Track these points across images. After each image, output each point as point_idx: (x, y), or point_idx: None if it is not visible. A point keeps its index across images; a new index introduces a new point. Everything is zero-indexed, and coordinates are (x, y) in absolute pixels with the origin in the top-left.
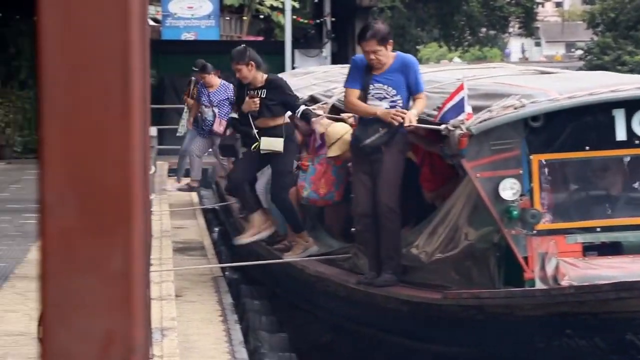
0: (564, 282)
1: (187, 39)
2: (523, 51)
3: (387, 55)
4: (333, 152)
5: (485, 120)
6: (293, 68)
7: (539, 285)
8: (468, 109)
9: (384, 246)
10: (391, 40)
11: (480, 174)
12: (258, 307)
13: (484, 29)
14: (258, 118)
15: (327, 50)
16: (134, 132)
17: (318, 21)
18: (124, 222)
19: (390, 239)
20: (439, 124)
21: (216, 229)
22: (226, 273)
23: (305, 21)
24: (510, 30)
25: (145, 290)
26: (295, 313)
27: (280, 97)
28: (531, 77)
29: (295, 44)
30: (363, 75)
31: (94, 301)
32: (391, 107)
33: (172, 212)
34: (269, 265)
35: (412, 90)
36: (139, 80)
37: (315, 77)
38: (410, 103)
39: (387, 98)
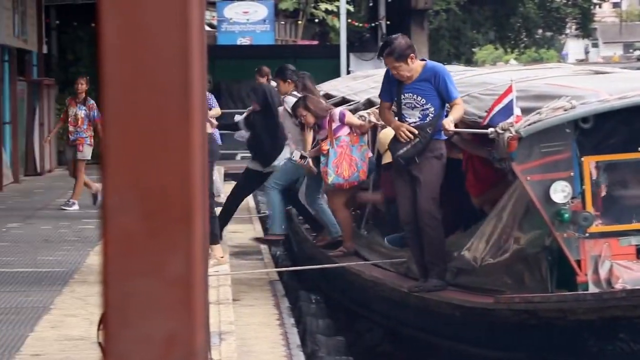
0: (618, 285)
1: (243, 43)
2: (587, 52)
3: (410, 69)
4: (388, 158)
5: (534, 122)
6: (348, 72)
7: (592, 288)
8: (517, 111)
9: (427, 252)
10: (412, 55)
11: (530, 177)
12: (315, 311)
13: (540, 31)
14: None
15: None
16: (193, 134)
17: (373, 24)
18: (185, 225)
19: (432, 246)
20: (487, 127)
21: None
22: (283, 277)
23: (360, 24)
24: (567, 31)
25: (205, 293)
26: (351, 318)
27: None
28: (584, 77)
29: (350, 48)
30: (394, 86)
31: (155, 304)
32: (423, 115)
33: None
34: (326, 270)
35: (444, 98)
36: (198, 84)
37: (374, 81)
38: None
39: (417, 107)
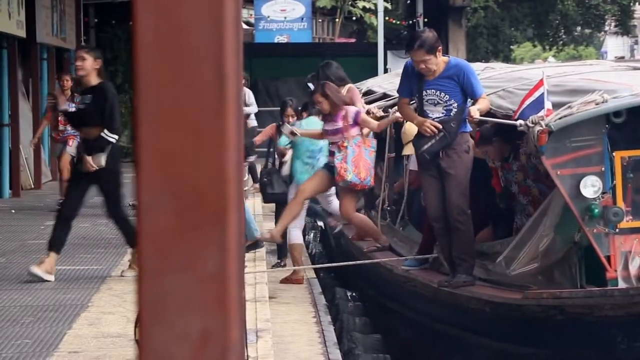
0: None
1: (280, 41)
2: (632, 50)
3: (437, 63)
4: (407, 150)
5: (565, 116)
6: (385, 69)
7: (622, 284)
8: (548, 104)
9: (456, 248)
10: (440, 47)
11: (560, 171)
12: (352, 309)
13: (578, 28)
14: None
15: None
16: (228, 132)
17: (410, 22)
18: (219, 222)
19: (462, 241)
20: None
21: (311, 232)
22: (320, 274)
23: (398, 22)
24: (606, 28)
25: (240, 290)
26: (386, 314)
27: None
28: (621, 73)
29: (388, 45)
30: (416, 82)
31: (190, 301)
32: (446, 111)
33: (264, 214)
34: (361, 267)
35: (468, 95)
36: (233, 81)
37: None
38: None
39: (440, 103)
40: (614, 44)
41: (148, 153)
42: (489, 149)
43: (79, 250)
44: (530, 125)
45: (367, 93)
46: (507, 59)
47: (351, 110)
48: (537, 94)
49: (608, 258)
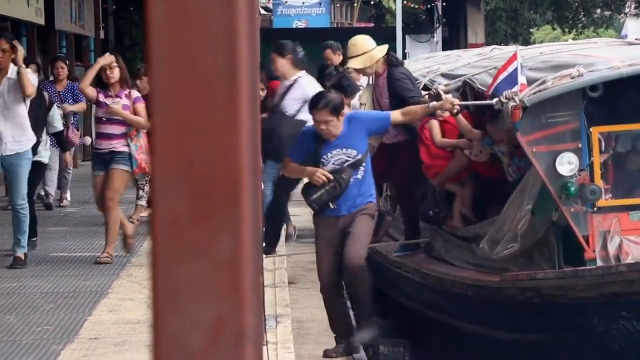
0: (628, 261)
1: (298, 26)
2: None
3: (338, 126)
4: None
5: (539, 91)
6: (404, 54)
7: (600, 265)
8: (522, 79)
9: (362, 309)
10: (344, 111)
11: (535, 148)
12: None
13: (598, 10)
14: None
15: (438, 36)
16: (240, 116)
17: (429, 6)
18: (232, 208)
19: (366, 300)
20: (492, 98)
21: None
22: None
23: (416, 6)
24: (627, 10)
25: (256, 276)
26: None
27: None
28: (614, 48)
29: (406, 30)
30: (314, 144)
31: (203, 287)
32: (342, 162)
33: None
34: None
35: (381, 124)
36: (245, 65)
37: (434, 62)
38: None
39: (349, 160)
40: (634, 26)
41: (162, 139)
42: (499, 132)
43: (99, 237)
44: (505, 101)
45: None
46: (526, 42)
47: (135, 93)
48: (510, 69)
49: (587, 238)
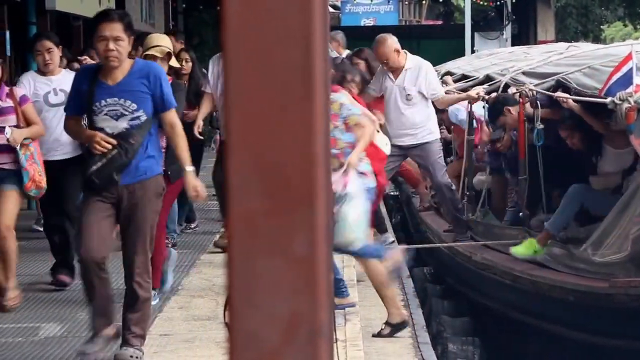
0: None
1: (366, 24)
2: None
3: (125, 50)
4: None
5: None
6: (473, 51)
7: None
8: (637, 80)
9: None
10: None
11: None
12: (440, 292)
13: None
14: None
15: (507, 33)
16: (316, 114)
17: (498, 3)
18: (307, 205)
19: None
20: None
21: (398, 215)
22: (407, 259)
23: (485, 3)
24: None
25: (329, 273)
26: (462, 300)
27: None
28: None
29: (475, 27)
30: (87, 88)
31: (279, 283)
32: (131, 126)
33: None
34: (439, 254)
35: (159, 108)
36: (320, 64)
37: (498, 58)
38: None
39: (126, 115)
40: None
41: (237, 137)
42: (574, 136)
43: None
44: (618, 102)
45: (447, 74)
46: (597, 39)
47: (19, 91)
48: (625, 69)
49: None
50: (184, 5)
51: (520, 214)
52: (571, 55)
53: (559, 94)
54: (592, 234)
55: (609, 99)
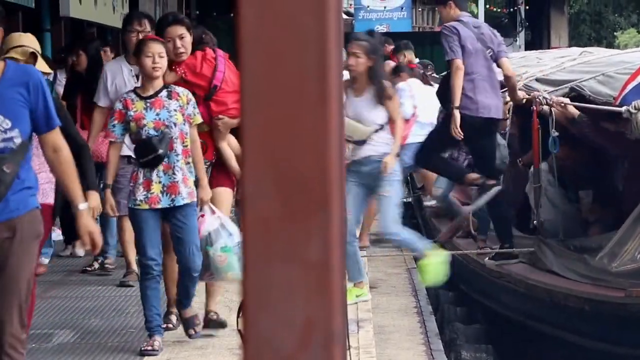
0: None
1: (380, 31)
2: None
3: None
4: None
5: None
6: None
7: None
8: None
9: None
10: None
11: None
12: (453, 299)
13: None
14: None
15: (520, 39)
16: (330, 119)
17: (512, 10)
18: (322, 210)
19: None
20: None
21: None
22: None
23: (499, 10)
24: None
25: (343, 279)
26: (476, 307)
27: None
28: None
29: None
30: None
31: (294, 289)
32: (4, 146)
33: None
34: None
35: (41, 127)
36: (335, 70)
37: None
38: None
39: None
40: None
41: (252, 142)
42: (571, 155)
43: None
44: (634, 111)
45: None
46: (611, 45)
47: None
48: None
49: None
50: (197, 12)
51: (535, 222)
52: (585, 62)
53: (560, 98)
54: (607, 243)
55: (624, 108)
